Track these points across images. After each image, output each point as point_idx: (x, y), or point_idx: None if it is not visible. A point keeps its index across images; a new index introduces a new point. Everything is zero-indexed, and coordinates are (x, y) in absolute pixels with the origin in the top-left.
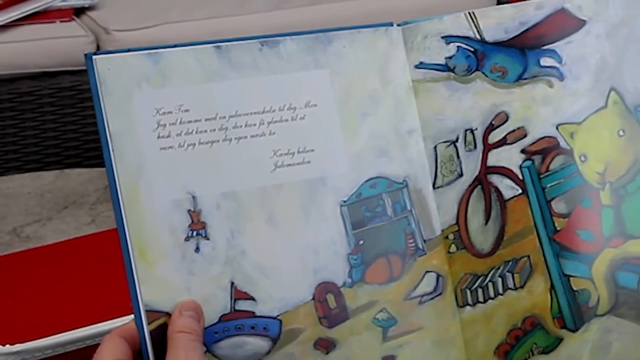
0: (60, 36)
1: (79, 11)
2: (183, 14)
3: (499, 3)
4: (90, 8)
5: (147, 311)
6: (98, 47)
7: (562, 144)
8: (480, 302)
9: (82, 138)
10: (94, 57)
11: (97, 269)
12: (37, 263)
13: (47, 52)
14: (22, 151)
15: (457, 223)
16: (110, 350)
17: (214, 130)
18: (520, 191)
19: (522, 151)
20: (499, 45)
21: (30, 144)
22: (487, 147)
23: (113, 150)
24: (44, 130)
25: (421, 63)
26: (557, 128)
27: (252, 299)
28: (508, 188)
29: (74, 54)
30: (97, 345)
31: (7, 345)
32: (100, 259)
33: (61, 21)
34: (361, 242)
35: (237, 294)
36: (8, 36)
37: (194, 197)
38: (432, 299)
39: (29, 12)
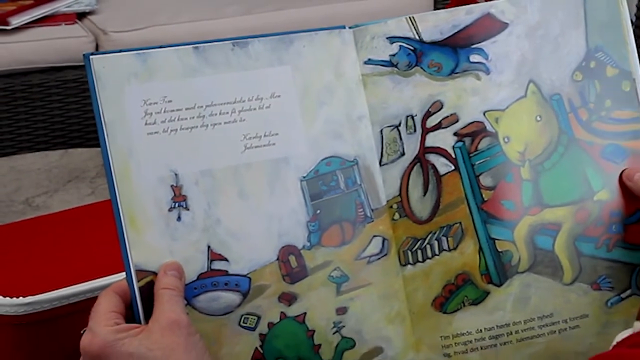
0: (65, 36)
1: (81, 15)
2: (169, 18)
3: (435, 8)
4: (90, 13)
5: (136, 270)
6: (97, 46)
7: (488, 127)
8: (419, 262)
9: (84, 122)
10: (90, 57)
11: (96, 234)
12: (46, 228)
13: (54, 50)
14: (32, 133)
15: (400, 195)
16: (106, 303)
17: (193, 117)
18: (453, 168)
19: (455, 134)
20: (435, 44)
21: (40, 127)
22: (425, 131)
23: (107, 135)
24: (52, 116)
25: (369, 60)
26: (484, 114)
27: (226, 260)
28: (443, 165)
29: (77, 51)
30: (95, 298)
31: (20, 297)
32: (99, 225)
33: (66, 24)
34: (318, 211)
35: (213, 256)
36: (21, 37)
37: (176, 174)
38: (378, 259)
39: (38, 16)
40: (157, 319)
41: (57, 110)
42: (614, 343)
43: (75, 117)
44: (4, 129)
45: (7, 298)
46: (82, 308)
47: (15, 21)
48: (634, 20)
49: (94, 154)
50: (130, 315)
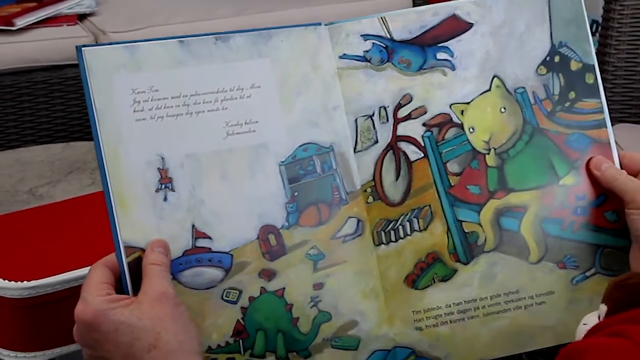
0: (67, 37)
1: (82, 17)
2: (165, 19)
3: (414, 5)
4: (90, 14)
5: (125, 247)
6: None
7: (455, 119)
8: (392, 241)
9: (84, 117)
10: (83, 49)
11: (96, 222)
12: (49, 217)
13: (57, 49)
14: (36, 127)
15: (373, 179)
16: (97, 275)
17: (179, 106)
18: (422, 155)
19: (424, 124)
20: (405, 42)
21: (43, 122)
22: (397, 121)
23: (98, 121)
24: (54, 111)
25: (344, 55)
26: (450, 107)
27: (209, 237)
28: (413, 153)
29: None
30: None
31: (24, 281)
32: (98, 213)
33: (67, 25)
34: (296, 193)
35: (197, 234)
36: (25, 37)
37: (162, 158)
38: (353, 238)
39: (42, 18)
40: (145, 291)
41: (59, 105)
42: (584, 324)
43: (76, 112)
44: (9, 123)
45: (12, 282)
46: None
47: (20, 22)
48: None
49: (93, 146)
50: (119, 287)
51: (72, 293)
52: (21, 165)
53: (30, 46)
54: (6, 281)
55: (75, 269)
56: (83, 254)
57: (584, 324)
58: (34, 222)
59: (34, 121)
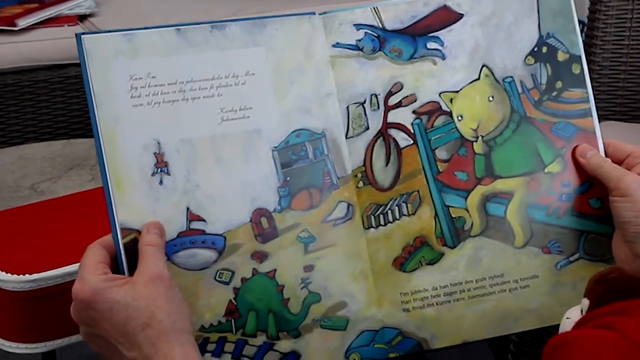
0: (68, 37)
1: (82, 17)
2: (162, 20)
3: None
4: (90, 15)
5: (121, 229)
6: None
7: (444, 107)
8: (381, 225)
9: (85, 115)
10: (82, 36)
11: (96, 216)
12: (50, 212)
13: (58, 49)
14: (37, 125)
15: (364, 165)
16: (94, 255)
17: (175, 92)
18: (412, 142)
19: (413, 112)
20: (396, 32)
21: (44, 119)
22: (387, 108)
23: (96, 106)
24: (55, 109)
25: (337, 43)
26: (440, 95)
27: (203, 220)
28: (403, 139)
29: None
30: None
31: (27, 275)
32: (98, 208)
33: (68, 25)
34: (288, 178)
35: (192, 217)
36: (27, 37)
37: (158, 142)
38: (343, 222)
39: (43, 18)
40: (141, 272)
41: (60, 104)
42: (567, 318)
43: (77, 110)
44: (12, 121)
45: (14, 275)
46: None
47: (22, 23)
48: (587, 18)
49: (94, 143)
50: (115, 267)
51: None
52: (23, 162)
53: (32, 46)
54: (8, 274)
55: (76, 263)
56: (83, 248)
57: (567, 318)
58: (36, 217)
59: (35, 119)
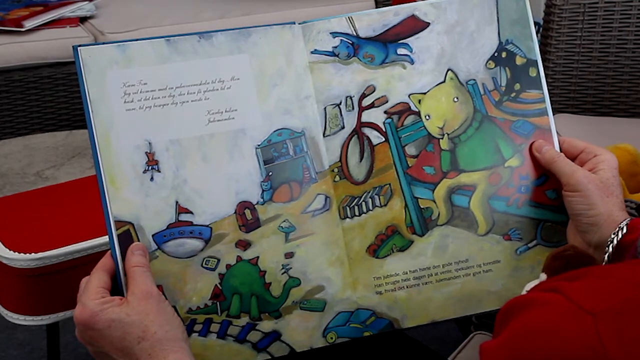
0: (69, 37)
1: (83, 19)
2: (155, 22)
3: (377, 6)
4: (90, 17)
5: (115, 221)
6: None
7: (413, 107)
8: (356, 216)
9: None
10: (78, 48)
11: (95, 200)
12: (54, 196)
13: (61, 48)
14: (42, 117)
15: (340, 161)
16: (96, 281)
17: (165, 97)
18: (384, 139)
19: (385, 112)
20: (369, 39)
21: (49, 112)
22: (361, 109)
23: (92, 111)
24: (59, 102)
25: (315, 50)
26: (409, 96)
27: (191, 212)
28: (376, 137)
29: None
30: (95, 254)
31: (32, 253)
32: (97, 193)
33: (70, 26)
34: (270, 173)
35: (180, 209)
36: (33, 37)
37: (149, 142)
38: (321, 213)
39: (47, 20)
40: (132, 291)
41: (63, 97)
42: (526, 290)
43: (79, 103)
44: (19, 113)
45: (21, 254)
46: (83, 262)
47: (28, 24)
48: (542, 20)
49: None
50: (114, 286)
51: (75, 264)
52: (29, 151)
53: (37, 45)
54: (16, 253)
55: (77, 243)
56: (83, 229)
57: (527, 291)
58: (41, 201)
59: (40, 112)
